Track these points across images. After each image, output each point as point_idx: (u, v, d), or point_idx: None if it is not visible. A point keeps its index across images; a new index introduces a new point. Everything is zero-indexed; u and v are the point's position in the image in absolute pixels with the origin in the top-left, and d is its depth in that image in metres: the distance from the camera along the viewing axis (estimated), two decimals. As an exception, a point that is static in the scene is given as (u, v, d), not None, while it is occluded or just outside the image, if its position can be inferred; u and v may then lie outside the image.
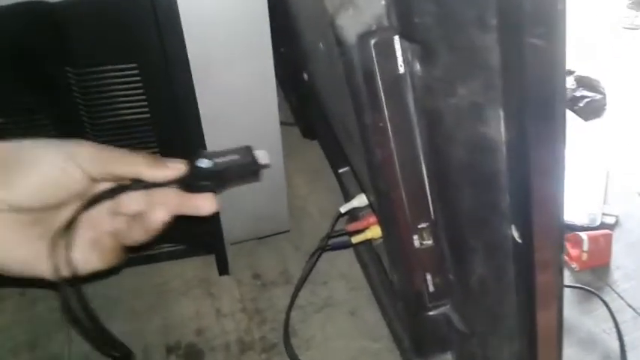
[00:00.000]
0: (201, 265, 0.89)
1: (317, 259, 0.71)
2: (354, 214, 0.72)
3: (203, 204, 0.40)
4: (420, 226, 0.49)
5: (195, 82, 0.66)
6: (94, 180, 0.37)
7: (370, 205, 0.68)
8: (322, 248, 0.70)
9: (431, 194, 0.47)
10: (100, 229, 0.39)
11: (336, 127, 0.64)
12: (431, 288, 0.55)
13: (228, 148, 0.43)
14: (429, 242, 0.51)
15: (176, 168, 0.38)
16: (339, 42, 0.38)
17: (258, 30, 0.65)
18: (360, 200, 0.69)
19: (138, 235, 0.39)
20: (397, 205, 0.47)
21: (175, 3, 0.60)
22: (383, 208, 0.49)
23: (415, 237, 0.50)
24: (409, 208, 0.47)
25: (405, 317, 0.61)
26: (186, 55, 0.64)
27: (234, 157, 0.44)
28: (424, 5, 0.33)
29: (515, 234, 0.40)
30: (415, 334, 0.61)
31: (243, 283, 0.86)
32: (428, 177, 0.45)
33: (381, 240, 0.66)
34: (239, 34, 0.65)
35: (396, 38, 0.38)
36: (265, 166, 0.44)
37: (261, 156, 0.44)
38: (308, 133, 1.08)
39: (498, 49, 0.30)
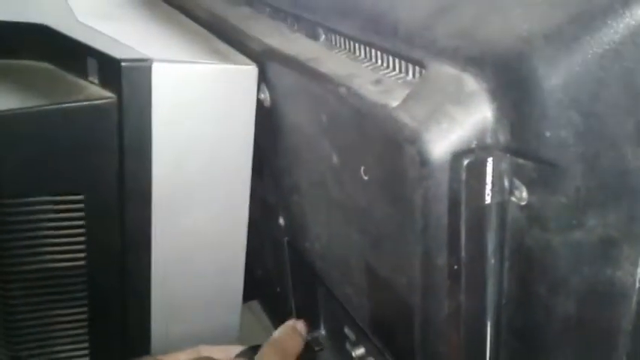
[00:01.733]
0: None
1: None
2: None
3: None
4: (471, 406, 0.39)
5: (153, 223, 0.55)
6: None
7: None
8: None
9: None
10: None
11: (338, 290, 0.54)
12: None
13: None
14: None
15: None
16: (422, 161, 0.31)
17: (240, 164, 0.57)
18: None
19: None
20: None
21: (149, 122, 0.50)
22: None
23: (464, 419, 0.39)
24: (465, 380, 0.37)
25: None
26: (150, 188, 0.53)
27: None
28: (563, 115, 0.27)
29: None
30: None
31: None
32: (495, 337, 0.37)
33: None
34: (217, 168, 0.56)
35: (490, 160, 0.32)
36: None
37: None
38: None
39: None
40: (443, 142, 0.31)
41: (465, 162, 0.31)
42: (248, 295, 1.00)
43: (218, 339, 0.63)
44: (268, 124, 0.56)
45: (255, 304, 1.04)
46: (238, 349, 0.54)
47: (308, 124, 0.47)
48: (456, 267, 0.34)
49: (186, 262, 0.60)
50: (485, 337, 0.37)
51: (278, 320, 0.84)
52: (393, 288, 0.39)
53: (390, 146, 0.35)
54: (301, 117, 0.49)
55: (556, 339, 0.33)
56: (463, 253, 0.34)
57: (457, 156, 0.31)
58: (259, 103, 0.55)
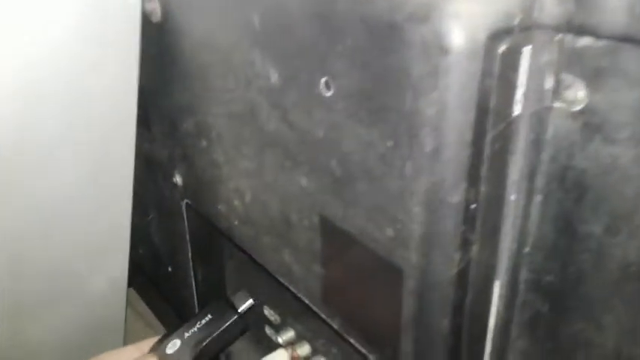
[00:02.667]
0: None
1: None
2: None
3: None
4: (466, 390, 0.30)
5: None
6: None
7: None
8: None
9: (497, 333, 0.29)
10: None
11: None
12: None
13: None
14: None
15: None
16: (441, 48, 0.21)
17: (120, 107, 0.43)
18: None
19: None
20: (450, 355, 0.28)
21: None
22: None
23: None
24: (467, 356, 0.28)
25: None
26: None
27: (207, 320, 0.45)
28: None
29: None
30: None
31: None
32: (507, 298, 0.28)
33: None
34: (87, 116, 0.41)
35: (527, 50, 0.22)
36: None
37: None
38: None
39: None
40: (476, 17, 0.21)
41: (501, 49, 0.22)
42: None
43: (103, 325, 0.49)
44: (158, 47, 0.42)
45: (130, 292, 0.88)
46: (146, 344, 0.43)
47: (225, 35, 0.34)
48: (473, 206, 0.24)
49: (46, 237, 0.45)
50: (490, 301, 0.28)
51: (163, 307, 0.71)
52: (364, 245, 0.29)
53: (379, 34, 0.24)
54: (213, 27, 0.36)
55: (605, 292, 0.25)
56: (483, 187, 0.24)
57: (494, 38, 0.21)
58: (145, 17, 0.41)
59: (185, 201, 0.48)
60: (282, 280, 0.38)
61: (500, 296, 0.28)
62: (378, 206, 0.27)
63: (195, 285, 0.53)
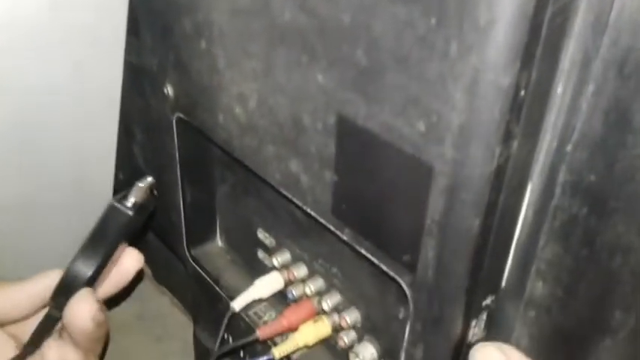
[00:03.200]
0: None
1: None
2: (250, 315, 0.45)
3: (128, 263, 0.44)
4: (484, 304, 0.29)
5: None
6: None
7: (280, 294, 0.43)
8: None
9: (524, 240, 0.27)
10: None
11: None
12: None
13: None
14: (479, 332, 0.30)
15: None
16: None
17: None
18: (264, 287, 0.44)
19: None
20: (476, 261, 0.26)
21: None
22: (443, 271, 0.27)
23: (474, 323, 0.29)
24: (486, 265, 0.27)
25: None
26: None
27: None
28: None
29: None
30: None
31: None
32: (537, 205, 0.26)
33: (313, 349, 0.42)
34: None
35: None
36: None
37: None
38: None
39: None
40: None
41: None
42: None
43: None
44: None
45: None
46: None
47: None
48: (522, 92, 0.22)
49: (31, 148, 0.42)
50: (522, 204, 0.26)
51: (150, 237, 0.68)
52: (389, 144, 0.27)
53: None
54: None
55: (652, 193, 0.23)
56: (535, 72, 0.22)
57: None
58: None
59: (176, 115, 0.45)
60: (287, 192, 0.36)
61: (531, 200, 0.26)
62: (410, 98, 0.25)
63: (184, 209, 0.50)
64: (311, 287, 0.42)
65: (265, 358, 0.39)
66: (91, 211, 0.44)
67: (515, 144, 0.24)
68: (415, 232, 0.27)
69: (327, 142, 0.30)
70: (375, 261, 0.30)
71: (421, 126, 0.25)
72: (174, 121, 0.46)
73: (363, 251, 0.31)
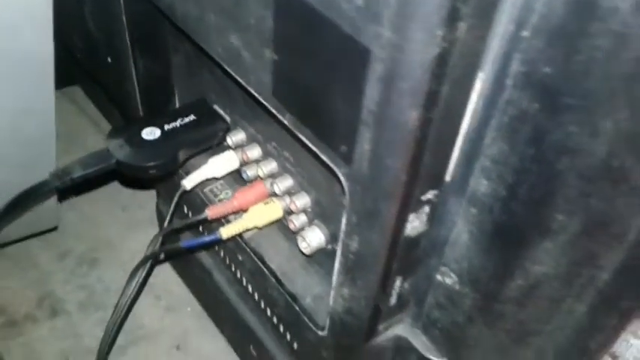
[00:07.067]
0: None
1: (150, 272, 0.42)
2: (194, 195, 0.44)
3: None
4: (424, 198, 0.27)
5: None
6: None
7: (237, 173, 0.41)
8: (155, 255, 0.41)
9: (470, 134, 0.25)
10: None
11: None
12: (393, 300, 0.33)
13: None
14: (421, 225, 0.29)
15: None
16: None
17: None
18: (217, 166, 0.42)
19: None
20: (414, 156, 0.24)
21: None
22: (378, 163, 0.25)
23: (412, 217, 0.28)
24: (426, 160, 0.25)
25: (318, 351, 0.38)
26: None
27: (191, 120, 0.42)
28: None
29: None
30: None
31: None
32: (486, 98, 0.24)
33: (261, 230, 0.41)
34: None
35: None
36: None
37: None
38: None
39: None
40: None
41: None
42: (64, 80, 0.77)
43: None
44: None
45: (76, 91, 0.82)
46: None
47: None
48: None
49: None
50: (468, 96, 0.24)
51: (115, 103, 0.65)
52: (326, 21, 0.23)
53: None
54: None
55: (613, 89, 0.20)
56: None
57: None
58: None
59: (120, -26, 0.40)
60: (229, 69, 0.33)
61: (481, 92, 0.23)
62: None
63: (137, 78, 0.47)
64: (263, 169, 0.40)
65: (212, 237, 0.38)
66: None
67: (462, 26, 0.20)
68: (351, 122, 0.25)
69: (265, 15, 0.27)
70: (315, 149, 0.28)
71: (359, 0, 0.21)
72: (118, -19, 0.41)
73: (303, 138, 0.29)
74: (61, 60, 0.48)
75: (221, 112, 0.44)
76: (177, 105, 0.50)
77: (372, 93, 0.23)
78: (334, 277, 0.33)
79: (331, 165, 0.28)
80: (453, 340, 0.34)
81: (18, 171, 0.43)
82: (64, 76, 0.72)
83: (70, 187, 0.40)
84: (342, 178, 0.27)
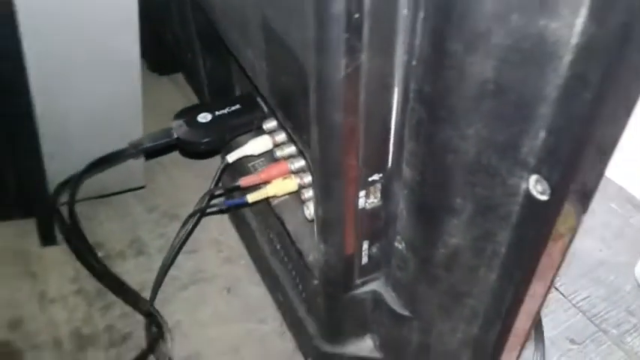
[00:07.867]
0: (15, 233, 0.66)
1: (196, 224, 0.54)
2: (241, 167, 0.56)
3: None
4: (371, 179, 0.36)
5: None
6: None
7: (272, 153, 0.52)
8: (202, 210, 0.53)
9: (397, 132, 0.33)
10: None
11: (232, 39, 0.47)
12: (364, 260, 0.42)
13: None
14: (375, 201, 0.37)
15: None
16: None
17: None
18: (255, 146, 0.53)
19: None
20: (348, 147, 0.33)
21: None
22: (324, 151, 0.34)
23: (362, 194, 0.36)
24: (365, 151, 0.33)
25: (315, 297, 0.48)
26: None
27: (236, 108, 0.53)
28: None
29: (537, 188, 0.28)
30: (329, 317, 0.48)
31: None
32: (401, 105, 0.32)
33: (283, 199, 0.51)
34: None
35: None
36: None
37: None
38: (158, 66, 0.88)
39: None
40: None
41: None
42: (171, 68, 0.92)
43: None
44: None
45: (179, 77, 0.97)
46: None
47: None
48: (357, 15, 0.27)
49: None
50: (390, 105, 0.32)
51: (196, 90, 0.78)
52: (287, 46, 0.33)
53: None
54: None
55: (467, 106, 0.28)
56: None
57: None
58: None
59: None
60: (249, 74, 0.43)
61: (397, 102, 0.32)
62: (291, 12, 0.30)
63: (205, 74, 0.59)
64: (285, 151, 0.50)
65: (241, 200, 0.49)
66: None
67: (364, 56, 0.29)
68: (306, 118, 0.34)
69: (261, 38, 0.37)
70: (294, 137, 0.38)
71: (301, 34, 0.30)
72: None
73: (287, 128, 0.38)
74: (167, 53, 0.62)
75: (262, 104, 0.54)
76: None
77: (312, 100, 0.32)
78: (315, 236, 0.42)
79: (302, 149, 0.37)
80: (411, 296, 0.42)
81: (111, 137, 0.57)
82: (171, 65, 0.88)
83: (149, 152, 0.52)
84: (308, 160, 0.37)
